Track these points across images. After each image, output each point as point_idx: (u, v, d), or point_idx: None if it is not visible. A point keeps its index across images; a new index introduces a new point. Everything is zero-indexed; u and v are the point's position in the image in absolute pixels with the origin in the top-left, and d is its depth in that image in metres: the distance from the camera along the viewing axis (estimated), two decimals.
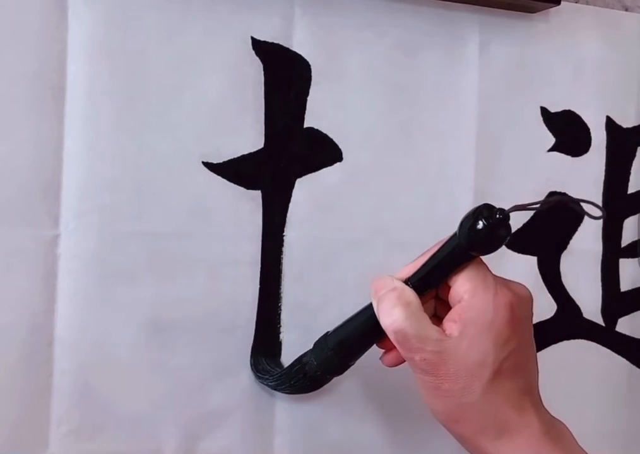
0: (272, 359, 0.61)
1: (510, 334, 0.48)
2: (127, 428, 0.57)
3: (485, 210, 0.46)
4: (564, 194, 0.72)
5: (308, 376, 0.56)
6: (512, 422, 0.48)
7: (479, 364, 0.47)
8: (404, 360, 0.50)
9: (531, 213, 0.71)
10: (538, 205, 0.46)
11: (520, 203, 0.47)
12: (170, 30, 0.58)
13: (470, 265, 0.49)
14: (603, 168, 0.74)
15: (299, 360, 0.56)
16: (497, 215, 0.46)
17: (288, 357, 0.62)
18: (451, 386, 0.48)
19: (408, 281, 0.51)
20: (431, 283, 0.50)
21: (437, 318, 0.53)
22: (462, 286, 0.49)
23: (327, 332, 0.55)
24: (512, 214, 0.70)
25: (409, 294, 0.49)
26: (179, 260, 0.59)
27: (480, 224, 0.46)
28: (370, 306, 0.52)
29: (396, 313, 0.48)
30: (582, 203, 0.46)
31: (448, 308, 0.50)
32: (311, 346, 0.56)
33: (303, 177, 0.63)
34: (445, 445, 0.61)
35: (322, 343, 0.55)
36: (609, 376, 0.75)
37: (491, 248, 0.47)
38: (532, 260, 0.71)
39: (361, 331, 0.53)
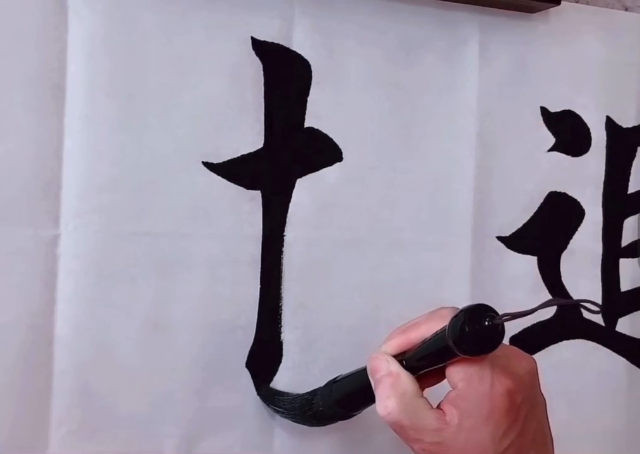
0: (272, 388, 0.61)
1: (510, 424, 0.45)
2: (127, 428, 0.57)
3: (474, 315, 0.43)
4: (564, 194, 0.73)
5: (318, 418, 0.56)
6: None
7: None
8: None
9: (531, 213, 0.71)
10: (530, 311, 0.44)
11: (516, 312, 0.43)
12: (170, 30, 0.58)
13: None
14: (603, 168, 0.75)
15: (309, 404, 0.56)
16: (486, 323, 0.43)
17: (288, 357, 0.62)
18: None
19: (402, 358, 0.48)
20: (424, 367, 0.48)
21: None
22: (457, 374, 0.46)
23: (336, 378, 0.55)
24: (512, 215, 0.71)
25: (404, 381, 0.47)
26: (179, 260, 0.59)
27: (467, 329, 0.43)
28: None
29: (390, 404, 0.46)
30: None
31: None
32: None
33: (303, 177, 0.63)
34: None
35: (328, 392, 0.55)
36: (609, 376, 0.75)
37: (480, 353, 0.44)
38: (532, 260, 0.71)
39: (364, 390, 0.51)
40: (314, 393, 0.56)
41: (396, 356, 0.49)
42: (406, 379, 0.47)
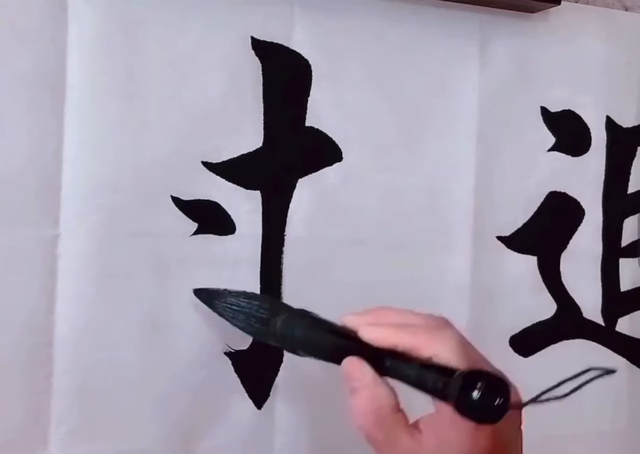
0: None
1: None
2: (127, 428, 0.57)
3: (487, 387, 0.39)
4: (564, 194, 0.73)
5: (262, 333, 0.54)
6: None
7: None
8: None
9: (531, 213, 0.71)
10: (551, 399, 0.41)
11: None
12: (170, 30, 0.58)
13: None
14: (603, 168, 0.75)
15: (265, 321, 0.53)
16: (496, 403, 0.39)
17: (288, 357, 0.62)
18: None
19: (386, 361, 0.45)
20: (408, 383, 0.44)
21: None
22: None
23: (303, 316, 0.51)
24: (512, 215, 0.70)
25: (383, 395, 0.44)
26: (179, 260, 0.59)
27: (476, 401, 0.39)
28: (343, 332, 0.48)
29: (366, 418, 0.44)
30: None
31: None
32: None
33: (304, 177, 0.63)
34: None
35: (290, 337, 0.51)
36: (609, 376, 0.74)
37: (481, 423, 0.40)
38: (532, 260, 0.71)
39: (327, 352, 0.49)
40: (275, 312, 0.53)
41: (377, 350, 0.46)
42: (384, 394, 0.45)
